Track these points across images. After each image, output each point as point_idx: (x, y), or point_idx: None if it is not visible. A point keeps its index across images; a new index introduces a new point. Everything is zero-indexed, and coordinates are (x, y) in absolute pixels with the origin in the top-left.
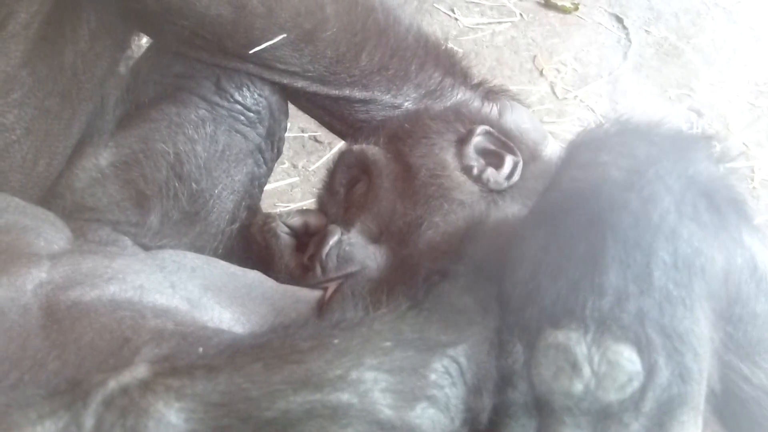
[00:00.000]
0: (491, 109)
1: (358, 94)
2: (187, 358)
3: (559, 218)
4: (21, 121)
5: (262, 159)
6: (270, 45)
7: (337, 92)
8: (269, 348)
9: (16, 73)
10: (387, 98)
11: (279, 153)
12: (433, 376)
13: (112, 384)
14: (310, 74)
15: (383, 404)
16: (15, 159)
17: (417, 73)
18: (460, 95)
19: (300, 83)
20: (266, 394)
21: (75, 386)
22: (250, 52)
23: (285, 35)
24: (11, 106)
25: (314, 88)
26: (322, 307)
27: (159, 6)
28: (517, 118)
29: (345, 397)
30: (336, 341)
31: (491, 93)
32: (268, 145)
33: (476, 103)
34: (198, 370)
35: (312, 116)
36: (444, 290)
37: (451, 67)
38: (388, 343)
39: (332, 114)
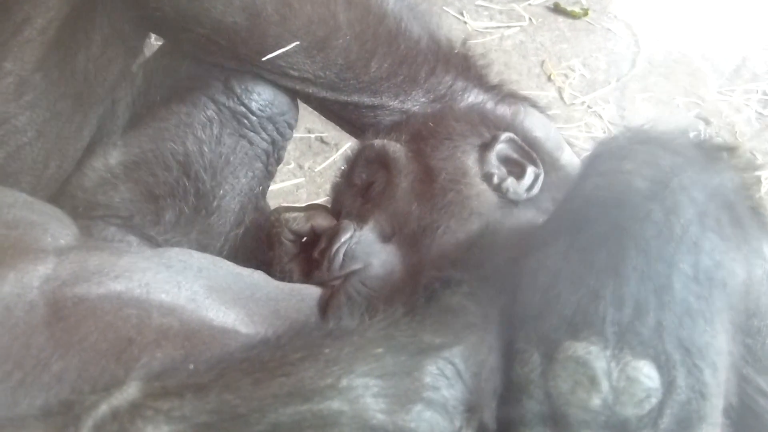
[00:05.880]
0: (511, 114)
1: (366, 99)
2: (179, 375)
3: (581, 226)
4: (33, 123)
5: (266, 163)
6: (283, 52)
7: (345, 98)
8: (259, 361)
9: (30, 77)
10: (395, 104)
11: (281, 158)
12: (427, 379)
13: (103, 408)
14: (320, 81)
15: (375, 409)
16: (26, 161)
17: (427, 78)
18: (473, 98)
19: (311, 89)
20: (255, 409)
21: (68, 409)
22: (263, 59)
23: (298, 42)
24: (23, 108)
25: (324, 93)
26: (324, 307)
27: (175, 14)
28: (533, 124)
29: (335, 404)
30: (327, 350)
31: (508, 97)
32: (273, 150)
33: (490, 106)
34: (187, 390)
35: (323, 116)
36: (443, 297)
37: (464, 70)
38: (379, 350)
39: (341, 117)
